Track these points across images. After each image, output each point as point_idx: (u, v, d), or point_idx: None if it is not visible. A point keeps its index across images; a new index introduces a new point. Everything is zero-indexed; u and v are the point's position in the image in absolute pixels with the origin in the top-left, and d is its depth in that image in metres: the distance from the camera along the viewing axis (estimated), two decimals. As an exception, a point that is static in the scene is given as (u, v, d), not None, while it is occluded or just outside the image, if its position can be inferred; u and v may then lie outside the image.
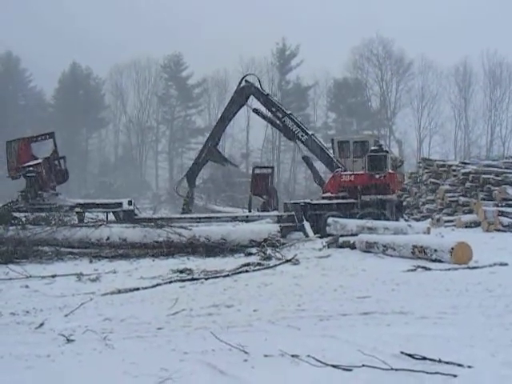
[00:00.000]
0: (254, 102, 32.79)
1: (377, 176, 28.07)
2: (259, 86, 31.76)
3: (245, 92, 31.85)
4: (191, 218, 25.65)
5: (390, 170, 28.27)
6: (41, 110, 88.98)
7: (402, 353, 6.85)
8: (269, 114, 32.00)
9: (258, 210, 30.29)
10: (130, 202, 25.24)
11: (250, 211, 30.14)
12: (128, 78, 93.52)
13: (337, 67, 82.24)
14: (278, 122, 31.33)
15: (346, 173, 29.05)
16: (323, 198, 29.63)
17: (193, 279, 14.41)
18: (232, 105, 32.86)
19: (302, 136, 30.13)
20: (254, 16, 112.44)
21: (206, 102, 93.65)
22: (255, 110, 32.17)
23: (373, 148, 28.84)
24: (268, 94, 31.68)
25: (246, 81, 31.99)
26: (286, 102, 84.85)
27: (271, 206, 30.52)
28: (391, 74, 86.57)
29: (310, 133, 30.14)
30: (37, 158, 26.14)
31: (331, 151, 30.10)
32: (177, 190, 33.75)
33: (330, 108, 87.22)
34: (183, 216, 27.31)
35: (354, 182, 28.66)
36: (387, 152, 29.19)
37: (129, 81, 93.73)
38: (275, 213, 27.94)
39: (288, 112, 30.76)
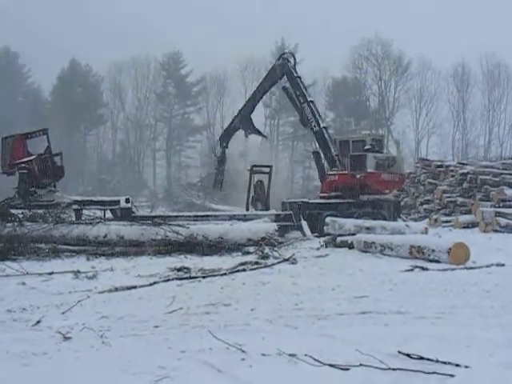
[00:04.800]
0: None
1: (357, 176, 28.29)
2: (292, 67, 31.88)
3: (280, 69, 32.21)
4: (189, 217, 25.66)
5: (371, 170, 28.36)
6: (39, 107, 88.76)
7: (399, 352, 6.87)
8: (293, 96, 32.03)
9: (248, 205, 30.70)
10: (128, 199, 25.20)
11: (247, 210, 30.16)
12: (127, 75, 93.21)
13: (336, 66, 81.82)
14: (299, 106, 31.59)
15: (331, 172, 29.41)
16: (321, 197, 29.72)
17: (190, 277, 14.42)
18: (266, 80, 33.50)
19: (315, 126, 30.34)
20: (254, 14, 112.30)
21: (205, 101, 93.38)
22: (284, 89, 32.44)
23: (366, 147, 29.00)
24: (298, 77, 31.77)
25: (284, 58, 32.12)
26: (284, 102, 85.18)
27: (264, 203, 30.55)
28: (390, 73, 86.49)
29: (322, 125, 30.18)
30: (32, 155, 26.09)
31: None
32: (215, 153, 36.02)
33: (328, 107, 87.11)
34: (181, 214, 27.37)
35: (338, 182, 29.13)
36: (378, 151, 29.27)
37: (127, 78, 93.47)
38: (273, 212, 27.94)
39: (309, 99, 30.99)
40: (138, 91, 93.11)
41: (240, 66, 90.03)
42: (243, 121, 33.64)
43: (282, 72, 31.97)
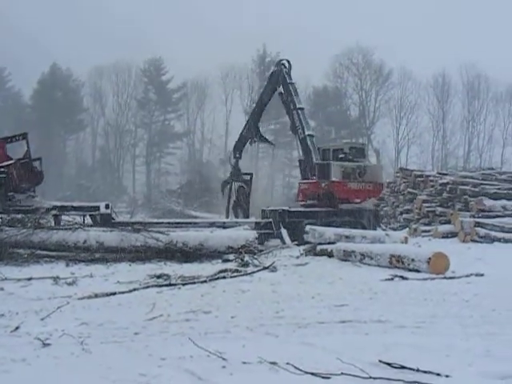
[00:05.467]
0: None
1: (322, 185, 28.57)
2: (286, 73, 32.03)
3: (276, 76, 32.65)
4: (168, 223, 25.58)
5: (335, 179, 28.52)
6: (19, 111, 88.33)
7: (380, 361, 6.90)
8: (286, 102, 32.20)
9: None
10: (107, 205, 25.08)
11: (227, 217, 30.19)
12: (108, 80, 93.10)
13: (317, 75, 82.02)
14: (290, 112, 31.88)
15: (303, 181, 29.75)
16: (302, 205, 29.83)
17: (170, 284, 14.38)
18: (267, 87, 34.03)
19: (300, 134, 30.44)
20: (236, 22, 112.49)
21: (185, 107, 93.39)
22: (280, 94, 32.46)
23: (340, 156, 29.30)
24: (291, 83, 31.93)
25: (279, 64, 32.33)
26: (265, 109, 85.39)
27: (244, 210, 30.62)
28: (370, 83, 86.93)
29: (307, 133, 30.23)
30: (11, 159, 25.89)
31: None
32: (230, 163, 35.04)
33: (309, 116, 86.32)
34: (160, 221, 27.27)
35: (308, 190, 29.78)
36: (351, 160, 29.39)
37: (108, 83, 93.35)
38: (253, 219, 27.98)
39: (298, 106, 31.04)
40: (119, 97, 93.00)
41: (221, 72, 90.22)
42: (250, 130, 33.81)
43: (278, 78, 32.17)
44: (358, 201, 29.33)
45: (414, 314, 10.23)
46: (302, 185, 31.01)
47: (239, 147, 34.49)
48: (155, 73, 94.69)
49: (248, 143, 34.79)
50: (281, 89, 32.14)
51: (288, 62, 32.39)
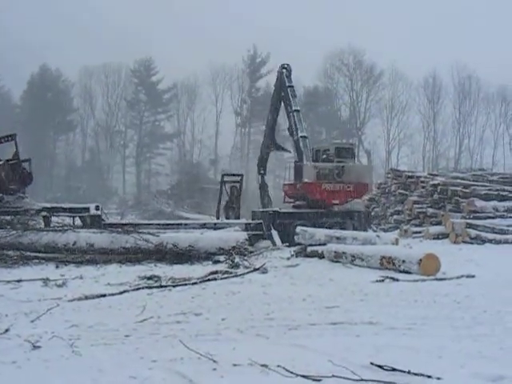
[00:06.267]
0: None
1: (297, 186, 28.77)
2: (286, 76, 32.12)
3: (278, 81, 32.74)
4: (158, 225, 25.52)
5: (307, 180, 28.58)
6: (8, 112, 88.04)
7: (371, 363, 6.90)
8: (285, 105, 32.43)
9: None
10: (98, 206, 25.03)
11: (218, 218, 30.17)
12: (97, 81, 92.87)
13: (307, 76, 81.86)
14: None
15: (286, 182, 30.03)
16: (293, 206, 29.92)
17: (161, 286, 14.40)
18: (274, 95, 33.71)
19: (294, 136, 30.49)
20: (225, 22, 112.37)
21: (175, 108, 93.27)
22: (282, 97, 32.43)
23: (323, 157, 29.47)
24: (290, 86, 32.01)
25: (282, 68, 32.38)
26: (256, 110, 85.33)
27: (235, 212, 30.63)
28: (361, 84, 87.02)
29: (300, 134, 30.25)
30: (0, 160, 25.79)
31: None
32: (258, 181, 34.71)
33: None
34: (151, 222, 27.21)
35: (288, 192, 30.55)
36: (331, 160, 29.38)
37: (98, 84, 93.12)
38: (243, 221, 27.97)
39: (294, 108, 31.09)
40: (109, 97, 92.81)
41: (211, 73, 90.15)
42: (267, 140, 34.02)
43: (278, 82, 32.46)
44: (336, 202, 29.12)
45: (405, 315, 10.26)
46: (284, 186, 31.65)
47: (262, 162, 34.44)
48: (145, 73, 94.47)
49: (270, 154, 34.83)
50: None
51: (288, 65, 32.48)
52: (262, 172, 33.89)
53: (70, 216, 25.16)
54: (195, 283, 14.96)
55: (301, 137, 30.12)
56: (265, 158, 34.31)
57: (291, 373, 6.56)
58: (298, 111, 31.15)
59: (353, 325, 9.53)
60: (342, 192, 28.99)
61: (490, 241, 26.65)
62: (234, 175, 33.95)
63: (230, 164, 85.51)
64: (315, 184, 28.53)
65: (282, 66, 32.51)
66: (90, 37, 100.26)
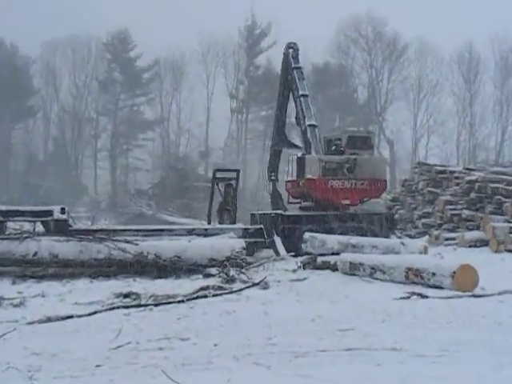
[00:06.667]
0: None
1: (300, 183, 28.78)
2: (293, 57, 32.50)
3: (283, 62, 33.24)
4: (138, 231, 25.51)
5: (310, 176, 28.71)
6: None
7: (395, 398, 6.89)
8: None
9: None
10: (63, 209, 24.98)
11: (209, 223, 30.17)
12: (62, 58, 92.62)
13: (317, 50, 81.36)
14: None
15: (289, 179, 29.96)
16: (300, 208, 29.91)
17: (140, 305, 14.41)
18: (281, 79, 34.18)
19: (302, 125, 30.52)
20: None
21: (158, 90, 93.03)
22: (289, 81, 32.79)
23: (332, 148, 29.46)
24: (297, 67, 32.37)
25: (288, 48, 32.58)
26: (254, 92, 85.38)
27: (231, 215, 30.64)
28: (382, 59, 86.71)
29: (307, 123, 30.30)
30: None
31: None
32: (267, 190, 34.87)
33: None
34: (128, 228, 27.20)
35: (290, 190, 30.84)
36: (340, 152, 29.39)
37: (63, 61, 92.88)
38: (240, 226, 27.96)
39: (301, 93, 31.31)
40: (76, 77, 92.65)
41: (201, 48, 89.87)
42: (276, 136, 34.31)
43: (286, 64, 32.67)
44: (347, 202, 29.11)
45: (436, 339, 10.25)
46: (287, 184, 31.52)
47: (273, 165, 34.54)
48: (120, 48, 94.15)
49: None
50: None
51: (295, 44, 32.59)
52: (273, 178, 33.73)
53: (30, 221, 25.12)
54: (182, 301, 14.95)
55: (309, 125, 30.17)
56: (275, 160, 34.25)
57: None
58: (305, 96, 31.22)
59: (372, 351, 9.52)
60: (353, 190, 28.96)
61: (540, 249, 26.64)
62: (228, 171, 33.97)
63: (224, 158, 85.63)
64: (320, 180, 28.53)
65: (289, 46, 32.67)
66: (52, 4, 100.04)
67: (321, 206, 28.83)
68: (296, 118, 31.81)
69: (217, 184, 31.04)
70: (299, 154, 30.36)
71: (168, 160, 79.08)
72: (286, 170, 32.00)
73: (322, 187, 28.61)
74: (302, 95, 31.11)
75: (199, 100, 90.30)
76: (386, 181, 31.18)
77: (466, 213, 32.09)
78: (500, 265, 21.87)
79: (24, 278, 19.30)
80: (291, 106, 34.01)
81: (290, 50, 32.41)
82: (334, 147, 29.64)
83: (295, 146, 35.47)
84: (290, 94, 32.71)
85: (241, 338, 10.63)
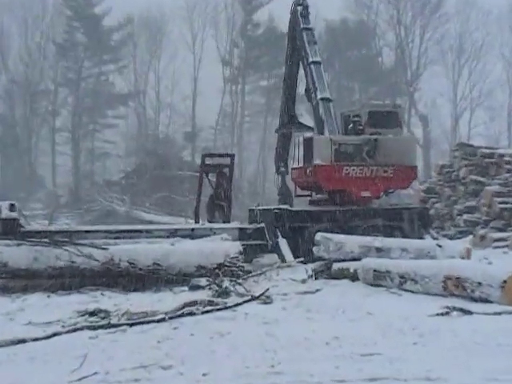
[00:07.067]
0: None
1: (307, 170, 28.78)
2: (302, 15, 32.53)
3: (290, 23, 33.53)
4: (107, 232, 25.54)
5: (319, 162, 28.59)
6: None
7: None
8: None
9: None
10: (13, 205, 25.04)
11: (197, 222, 30.20)
12: (11, 16, 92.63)
13: (331, 5, 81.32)
14: None
15: (295, 166, 29.98)
16: (310, 202, 29.90)
17: (110, 326, 14.40)
18: (288, 43, 34.57)
19: (313, 99, 30.50)
20: None
21: (131, 55, 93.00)
22: (297, 46, 32.93)
23: (349, 126, 29.39)
24: (307, 29, 32.42)
25: (296, 5, 32.67)
26: (253, 57, 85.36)
27: (224, 211, 30.70)
28: (413, 15, 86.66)
29: (319, 96, 30.27)
30: None
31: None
32: (276, 184, 34.95)
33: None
34: (95, 229, 27.22)
35: (297, 180, 30.91)
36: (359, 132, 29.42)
37: (12, 20, 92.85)
38: (236, 225, 27.99)
39: (311, 60, 31.42)
40: (28, 39, 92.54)
41: (187, 3, 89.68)
42: (283, 116, 34.41)
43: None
44: (367, 194, 28.96)
45: (481, 367, 10.24)
46: (293, 172, 31.51)
47: (281, 154, 34.76)
48: (83, 2, 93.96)
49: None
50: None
51: (304, 0, 32.62)
52: (282, 169, 33.69)
53: (-29, 221, 25.20)
54: (163, 320, 14.95)
55: (321, 99, 30.16)
56: (284, 147, 34.23)
57: None
58: (318, 63, 31.21)
59: (401, 381, 9.54)
60: (375, 179, 28.81)
61: None
62: (221, 156, 34.01)
63: (216, 140, 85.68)
64: (331, 167, 28.42)
65: (297, 2, 32.67)
66: None
67: (336, 200, 28.77)
68: (306, 90, 31.81)
69: (206, 173, 31.10)
70: (308, 135, 30.34)
71: (145, 143, 79.13)
72: (293, 155, 31.92)
73: (334, 175, 28.47)
74: (313, 62, 31.09)
75: (183, 68, 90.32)
76: (416, 167, 31.04)
77: (519, 207, 32.17)
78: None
79: (-37, 293, 19.37)
80: (301, 75, 34.02)
81: (299, 8, 32.39)
82: (351, 125, 29.50)
83: (307, 128, 35.31)
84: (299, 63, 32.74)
85: (237, 366, 10.64)
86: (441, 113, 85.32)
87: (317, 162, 28.44)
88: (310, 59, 31.10)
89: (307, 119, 36.12)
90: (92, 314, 15.72)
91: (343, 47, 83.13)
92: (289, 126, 33.90)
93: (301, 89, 35.22)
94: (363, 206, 28.48)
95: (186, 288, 20.17)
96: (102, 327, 14.26)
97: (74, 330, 13.95)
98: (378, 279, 19.62)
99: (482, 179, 35.31)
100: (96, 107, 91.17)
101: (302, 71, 33.42)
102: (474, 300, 16.46)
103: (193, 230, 26.60)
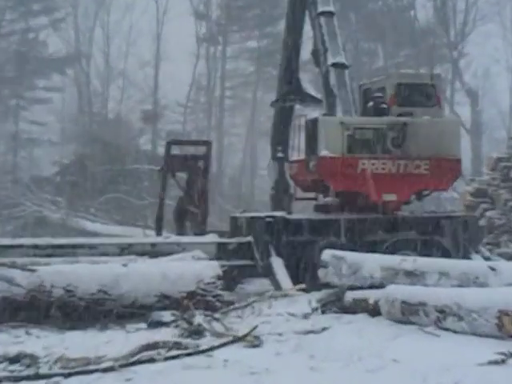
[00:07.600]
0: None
1: (310, 165, 28.65)
2: None
3: None
4: (35, 248, 25.51)
5: (326, 153, 28.32)
6: None
7: None
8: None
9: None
10: None
11: (159, 234, 30.23)
12: None
13: None
14: None
15: (294, 158, 29.98)
16: (316, 208, 29.89)
17: (38, 377, 14.34)
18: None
19: (323, 64, 30.34)
20: None
21: (71, 4, 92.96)
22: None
23: (369, 104, 29.14)
24: None
25: None
26: (236, 8, 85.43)
27: (197, 219, 30.76)
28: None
29: (330, 61, 30.10)
30: None
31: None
32: (269, 175, 35.53)
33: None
34: (18, 242, 27.14)
35: (297, 176, 31.15)
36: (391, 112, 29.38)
37: None
38: (212, 238, 27.95)
39: (321, 9, 31.48)
40: None
41: None
42: (285, 85, 34.46)
43: None
44: (392, 198, 28.66)
45: None
46: (291, 166, 31.93)
47: (279, 134, 34.99)
48: None
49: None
50: None
51: None
52: (279, 155, 33.61)
53: None
54: (111, 369, 14.91)
55: (333, 65, 30.10)
56: (284, 125, 34.16)
57: None
58: (329, 14, 31.13)
59: None
60: (404, 177, 28.63)
61: None
62: (193, 144, 34.08)
63: (186, 121, 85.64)
64: (343, 160, 28.31)
65: None
66: None
67: (350, 205, 28.64)
68: (313, 52, 31.73)
69: (173, 167, 31.07)
70: (312, 115, 30.22)
71: (88, 126, 79.00)
72: (291, 143, 31.84)
73: (346, 172, 28.26)
74: (323, 13, 31.02)
75: (142, 24, 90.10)
76: (461, 160, 30.75)
77: None
78: None
79: None
80: (308, 31, 33.95)
81: None
82: (371, 103, 29.27)
83: (314, 100, 35.10)
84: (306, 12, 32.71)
85: None
86: (496, 87, 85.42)
87: (323, 152, 28.11)
88: (320, 9, 30.98)
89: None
90: (14, 360, 15.66)
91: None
92: (290, 96, 33.58)
93: (305, 53, 35.25)
94: (387, 214, 28.37)
95: (144, 325, 20.18)
96: (26, 379, 14.22)
97: (-12, 383, 13.96)
98: (407, 314, 19.60)
99: (550, 179, 35.43)
100: (21, 75, 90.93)
101: (308, 27, 33.37)
102: (540, 343, 16.51)
103: (153, 245, 26.62)
